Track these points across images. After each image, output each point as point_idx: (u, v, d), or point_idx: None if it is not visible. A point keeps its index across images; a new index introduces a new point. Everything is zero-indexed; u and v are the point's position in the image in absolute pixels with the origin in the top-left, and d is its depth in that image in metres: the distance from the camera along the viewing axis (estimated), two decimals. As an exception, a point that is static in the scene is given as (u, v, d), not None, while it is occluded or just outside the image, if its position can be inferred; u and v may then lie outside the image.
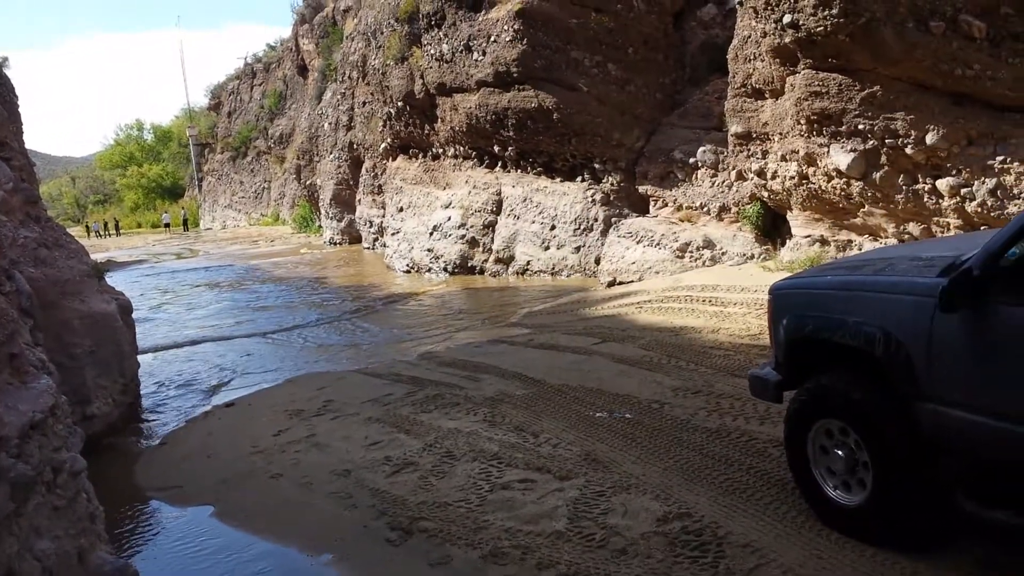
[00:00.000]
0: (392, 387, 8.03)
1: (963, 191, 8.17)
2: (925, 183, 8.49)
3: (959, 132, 8.02)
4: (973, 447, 3.53)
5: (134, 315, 8.58)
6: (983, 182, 7.98)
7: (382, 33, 19.20)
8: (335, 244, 28.10)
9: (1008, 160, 7.76)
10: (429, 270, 18.08)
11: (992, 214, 7.93)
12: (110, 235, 54.23)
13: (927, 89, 8.19)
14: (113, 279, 11.19)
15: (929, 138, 8.16)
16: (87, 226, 56.21)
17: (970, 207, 8.15)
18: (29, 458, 3.02)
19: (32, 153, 10.47)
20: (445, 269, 17.54)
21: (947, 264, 3.51)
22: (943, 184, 8.29)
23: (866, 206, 9.27)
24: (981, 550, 3.72)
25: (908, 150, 8.38)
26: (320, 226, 31.17)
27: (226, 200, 48.33)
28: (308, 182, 33.33)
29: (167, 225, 53.33)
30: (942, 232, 8.62)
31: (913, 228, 9.00)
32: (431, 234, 18.21)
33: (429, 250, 18.17)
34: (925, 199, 8.54)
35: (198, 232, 48.20)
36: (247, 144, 44.63)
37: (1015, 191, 7.78)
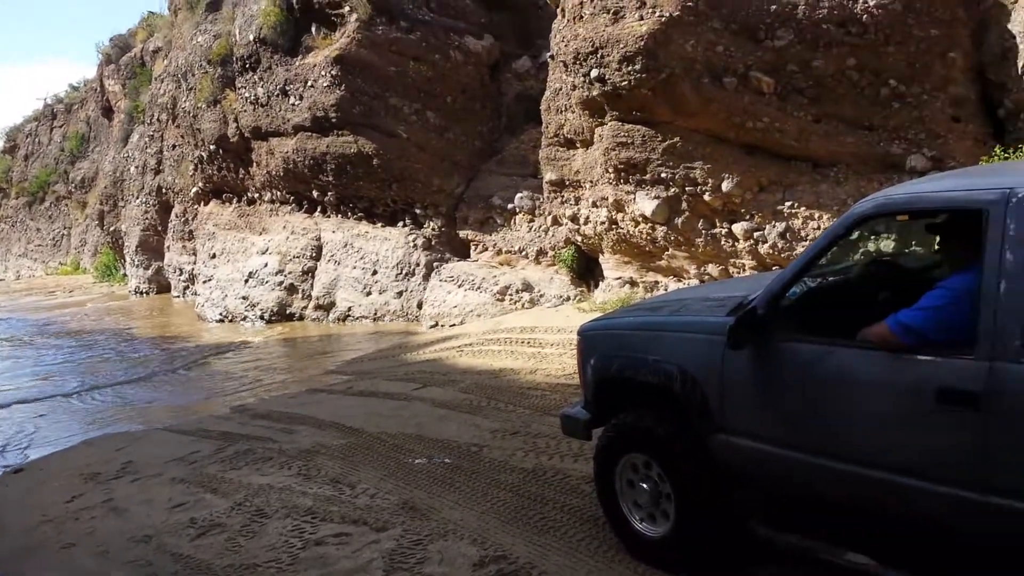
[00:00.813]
0: (199, 444, 7.56)
1: (756, 234, 8.81)
2: (722, 227, 9.08)
3: (751, 180, 8.66)
4: (763, 475, 3.77)
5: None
6: (774, 226, 8.64)
7: (193, 75, 18.47)
8: (141, 293, 26.40)
9: (795, 205, 8.46)
10: (244, 318, 17.33)
11: (782, 255, 8.57)
12: None
13: (722, 140, 8.80)
14: None
15: (724, 185, 8.75)
16: None
17: (763, 249, 8.78)
18: None
19: None
20: (262, 317, 16.87)
21: (735, 304, 3.72)
22: (738, 228, 8.90)
23: (670, 249, 9.78)
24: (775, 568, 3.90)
25: (706, 197, 8.95)
26: (125, 275, 29.24)
27: (20, 248, 44.53)
28: (112, 228, 31.24)
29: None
30: (738, 272, 9.22)
31: (712, 269, 9.58)
32: (246, 281, 17.49)
33: (244, 297, 17.43)
34: (722, 242, 9.13)
35: (-13, 284, 44.10)
36: (45, 189, 41.40)
37: (802, 233, 8.46)
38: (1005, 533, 2.93)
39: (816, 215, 8.35)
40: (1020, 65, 7.45)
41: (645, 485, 4.14)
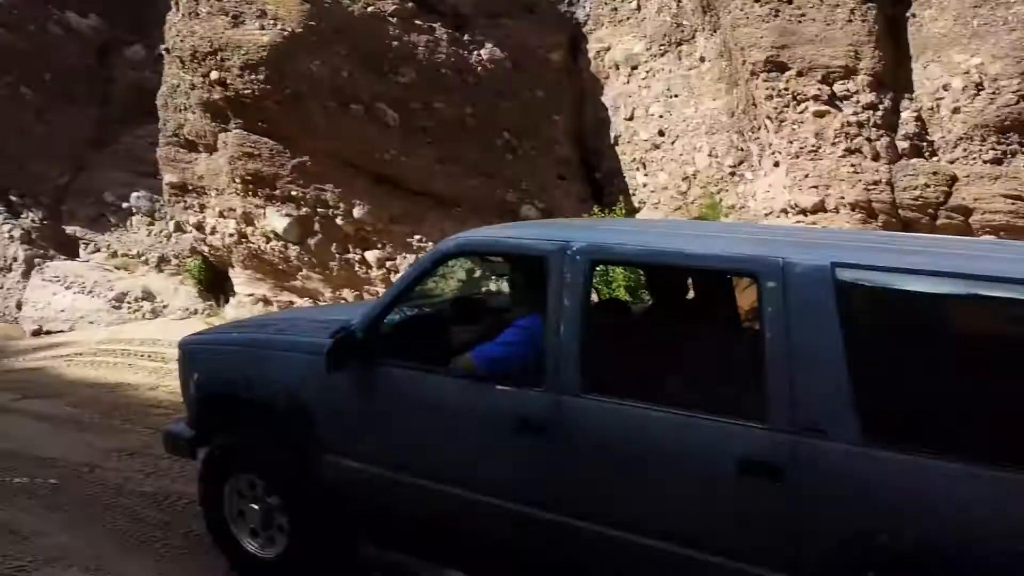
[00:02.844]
0: None
1: (388, 263, 9.11)
2: (356, 253, 9.25)
3: (383, 210, 8.91)
4: (368, 495, 3.88)
5: None
6: (405, 257, 8.98)
7: None
8: None
9: (424, 239, 8.85)
10: None
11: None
12: None
13: (353, 166, 8.94)
14: None
15: (356, 212, 8.90)
16: None
17: (396, 278, 9.10)
18: None
19: None
20: None
21: (338, 327, 3.77)
22: (371, 256, 9.13)
23: (304, 270, 9.76)
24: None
25: (339, 221, 9.05)
26: None
27: None
28: None
29: None
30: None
31: (348, 294, 9.73)
32: None
33: None
34: (356, 268, 9.31)
35: None
36: None
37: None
38: (568, 550, 3.28)
39: (444, 250, 8.80)
40: (612, 136, 8.46)
41: (255, 506, 4.09)
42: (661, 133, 8.01)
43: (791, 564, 2.78)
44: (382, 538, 3.99)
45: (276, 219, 9.42)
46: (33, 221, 12.99)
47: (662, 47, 7.97)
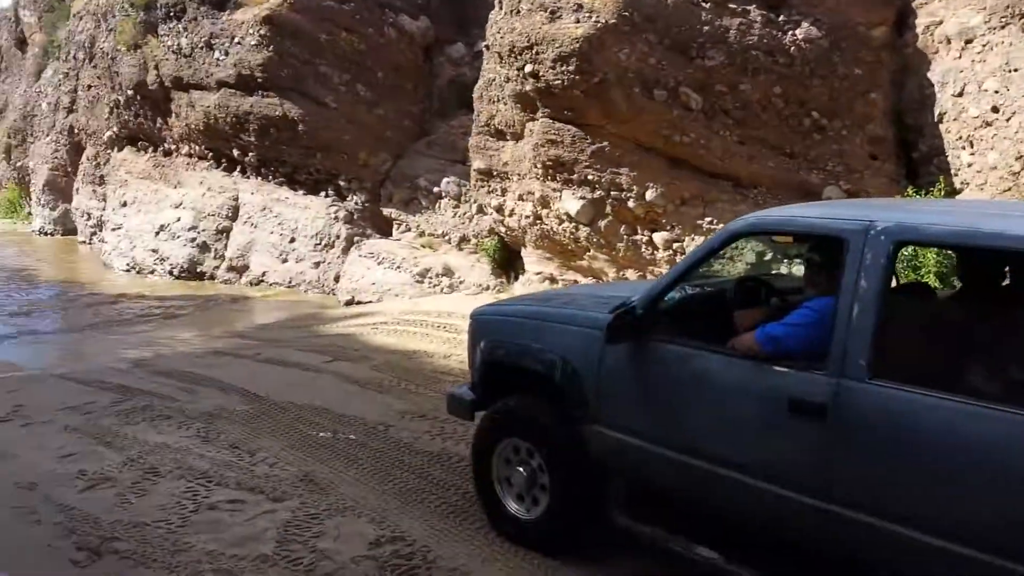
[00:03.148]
0: (96, 395, 7.38)
1: (675, 245, 9.08)
2: (643, 235, 9.33)
3: (675, 192, 8.92)
4: (628, 467, 3.99)
5: None
6: (693, 239, 8.91)
7: (114, 16, 17.75)
8: (46, 234, 25.36)
9: (714, 221, 8.73)
10: (152, 272, 16.87)
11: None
12: None
13: (649, 150, 9.03)
14: None
15: (649, 194, 8.99)
16: None
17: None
18: None
19: None
20: (171, 272, 16.46)
21: (619, 303, 3.88)
22: (659, 237, 9.16)
23: (591, 250, 10.00)
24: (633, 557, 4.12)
25: (630, 203, 9.18)
26: (30, 213, 28.04)
27: (-86, 173, 42.09)
28: (19, 163, 29.87)
29: None
30: (656, 280, 9.47)
31: (631, 274, 9.83)
32: (157, 234, 17.02)
33: (154, 250, 16.97)
34: (643, 249, 9.38)
35: None
36: (-53, 116, 39.27)
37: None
38: (841, 541, 3.14)
39: (734, 233, 8.64)
40: (936, 113, 7.88)
41: (521, 469, 4.30)
42: (995, 110, 7.29)
43: None
44: (637, 509, 4.02)
45: (570, 202, 9.75)
46: (356, 204, 14.46)
47: (1003, 19, 7.29)
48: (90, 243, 22.00)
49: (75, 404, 7.07)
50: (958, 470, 2.81)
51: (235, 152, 15.76)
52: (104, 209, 20.34)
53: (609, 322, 3.72)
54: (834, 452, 3.10)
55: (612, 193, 9.33)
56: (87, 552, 4.36)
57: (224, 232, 16.03)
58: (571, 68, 8.91)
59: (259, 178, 15.77)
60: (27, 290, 15.14)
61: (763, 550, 3.55)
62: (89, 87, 20.48)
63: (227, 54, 14.36)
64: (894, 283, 3.51)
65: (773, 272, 6.57)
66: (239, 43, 14.08)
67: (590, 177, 9.45)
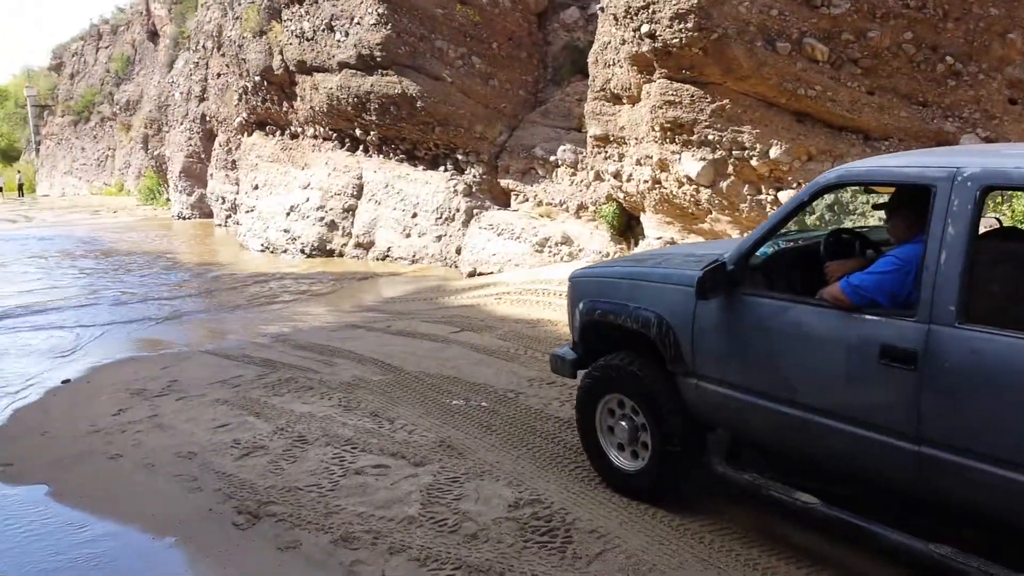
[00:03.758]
0: (242, 369, 7.86)
1: (802, 202, 8.77)
2: (768, 194, 9.08)
3: (800, 148, 8.61)
4: (726, 417, 4.14)
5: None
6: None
7: (240, 4, 18.51)
8: (184, 218, 26.90)
9: (844, 177, 8.38)
10: (285, 251, 17.65)
11: (828, 226, 8.57)
12: (-67, 198, 49.52)
13: (772, 105, 8.74)
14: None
15: (772, 152, 8.72)
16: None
17: (810, 220, 8.79)
18: None
19: None
20: (302, 251, 17.19)
21: (711, 260, 3.97)
22: (784, 196, 8.88)
23: (713, 212, 9.80)
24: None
25: (753, 162, 8.93)
26: (168, 199, 29.73)
27: (66, 166, 45.24)
28: (156, 152, 31.67)
29: (0, 189, 49.33)
30: (779, 241, 9.22)
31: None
32: (288, 214, 17.78)
33: (286, 231, 17.73)
34: (767, 209, 9.13)
35: (34, 198, 44.88)
36: (90, 109, 41.92)
37: (850, 207, 8.43)
38: (933, 482, 3.22)
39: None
40: (1082, 51, 7.34)
41: (624, 423, 4.56)
42: None
43: None
44: (735, 458, 4.20)
45: (690, 164, 9.57)
46: (474, 176, 14.65)
47: None
48: (225, 225, 23.20)
49: (224, 378, 7.55)
50: None
51: (357, 131, 16.22)
52: (237, 192, 21.37)
53: (699, 277, 3.86)
54: (924, 396, 3.17)
55: (734, 152, 9.09)
56: (246, 516, 4.69)
57: (350, 210, 16.57)
58: (689, 25, 8.68)
59: (381, 156, 16.19)
60: (171, 271, 16.10)
61: (859, 493, 3.67)
62: (218, 75, 21.48)
63: (347, 35, 14.72)
64: (990, 228, 3.53)
65: (868, 225, 6.36)
66: (358, 23, 14.40)
67: (710, 137, 9.23)
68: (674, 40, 8.92)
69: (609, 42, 10.74)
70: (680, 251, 5.31)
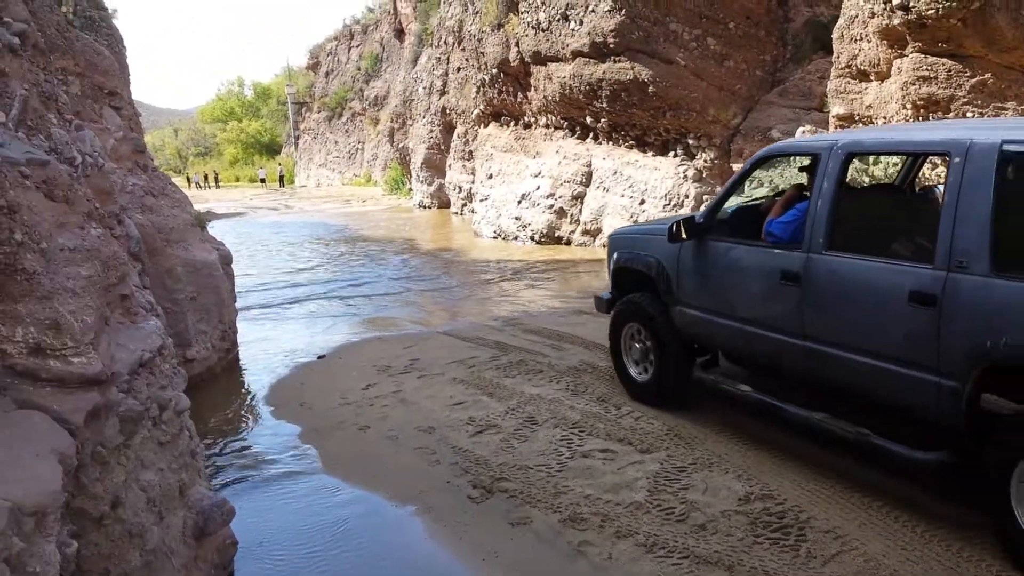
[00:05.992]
0: (477, 350, 8.21)
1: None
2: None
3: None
4: (699, 332, 5.56)
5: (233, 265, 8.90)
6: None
7: (480, -1, 19.23)
8: (424, 207, 28.48)
9: None
10: (516, 238, 18.20)
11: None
12: (209, 187, 56.01)
13: (1049, 79, 7.84)
14: (213, 229, 11.62)
15: (1044, 128, 7.81)
16: (188, 177, 58.24)
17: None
18: (138, 394, 3.16)
19: (137, 104, 10.86)
20: (532, 238, 17.64)
21: (686, 216, 5.65)
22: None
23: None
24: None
25: (1020, 140, 8.04)
26: (411, 189, 31.60)
27: (321, 159, 49.37)
28: (400, 145, 33.80)
29: (263, 180, 54.70)
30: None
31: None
32: (519, 202, 18.30)
33: (517, 218, 18.27)
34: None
35: (293, 189, 49.34)
36: (343, 104, 45.40)
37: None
38: (817, 368, 4.49)
39: None
40: None
41: (638, 345, 6.17)
42: None
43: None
44: (705, 364, 5.89)
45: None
46: (705, 161, 14.29)
47: None
48: (461, 214, 24.31)
49: (460, 358, 7.93)
50: (864, 303, 4.15)
51: (588, 119, 16.35)
52: (472, 182, 22.29)
53: (668, 227, 5.40)
54: (805, 304, 4.49)
55: (999, 130, 8.22)
56: (481, 490, 4.91)
57: (579, 198, 16.76)
58: (948, -6, 7.96)
59: (610, 143, 16.22)
60: (410, 255, 17.10)
61: (774, 380, 5.07)
62: (458, 69, 22.45)
63: (581, 23, 14.84)
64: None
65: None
66: (592, 10, 14.47)
67: (969, 114, 8.42)
68: (930, 11, 8.20)
69: (856, 15, 10.05)
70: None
